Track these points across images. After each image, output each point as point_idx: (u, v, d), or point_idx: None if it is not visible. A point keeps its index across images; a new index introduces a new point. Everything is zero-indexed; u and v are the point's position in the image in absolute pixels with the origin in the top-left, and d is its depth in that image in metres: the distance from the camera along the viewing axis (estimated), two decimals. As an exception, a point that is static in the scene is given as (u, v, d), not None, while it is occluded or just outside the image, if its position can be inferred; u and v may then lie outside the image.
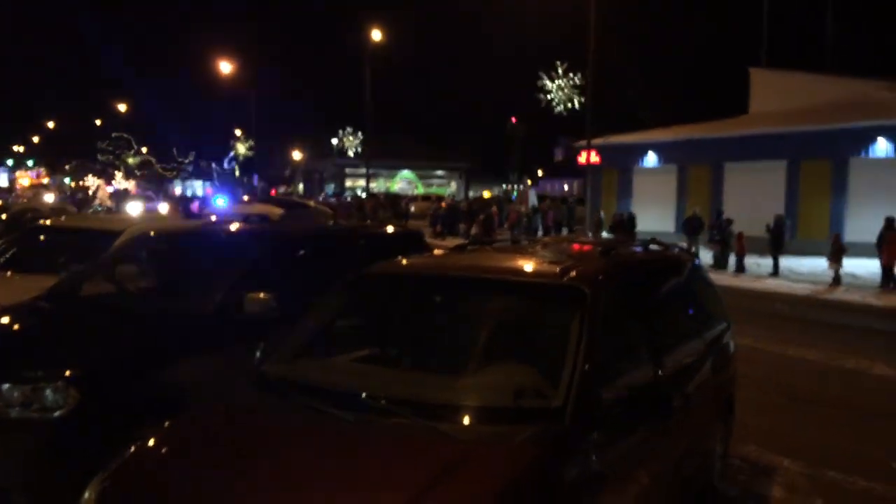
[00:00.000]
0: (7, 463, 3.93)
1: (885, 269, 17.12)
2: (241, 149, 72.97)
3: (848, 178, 24.34)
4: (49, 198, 31.85)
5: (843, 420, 7.22)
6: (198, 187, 77.48)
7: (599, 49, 27.86)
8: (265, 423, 3.27)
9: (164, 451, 3.19)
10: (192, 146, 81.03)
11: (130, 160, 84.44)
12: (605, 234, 26.15)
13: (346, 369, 3.78)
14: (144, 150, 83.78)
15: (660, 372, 3.87)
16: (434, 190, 61.94)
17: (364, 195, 48.52)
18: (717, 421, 5.04)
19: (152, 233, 6.55)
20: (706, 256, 21.62)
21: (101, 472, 3.02)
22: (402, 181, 67.79)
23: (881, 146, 23.62)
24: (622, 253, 4.63)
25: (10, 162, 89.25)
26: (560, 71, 44.98)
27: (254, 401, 3.50)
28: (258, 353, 3.79)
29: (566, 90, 44.46)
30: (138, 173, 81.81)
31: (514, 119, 50.97)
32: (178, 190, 73.10)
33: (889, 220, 17.22)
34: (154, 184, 72.97)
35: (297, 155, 67.59)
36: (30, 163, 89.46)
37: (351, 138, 66.01)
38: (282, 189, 63.91)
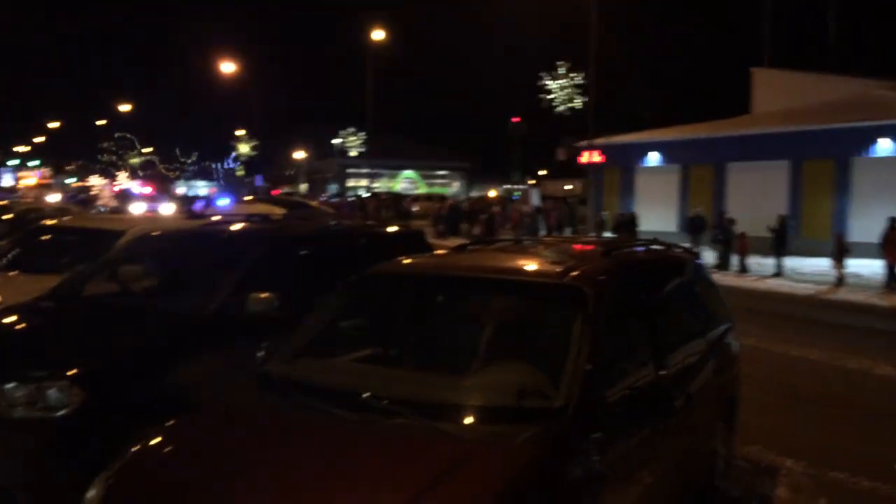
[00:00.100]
0: (11, 462, 3.94)
1: (889, 269, 17.09)
2: (244, 149, 73.04)
3: (851, 178, 24.30)
4: (53, 198, 31.90)
5: (845, 420, 7.21)
6: (200, 187, 77.57)
7: (601, 48, 27.88)
8: (267, 422, 3.28)
9: (166, 450, 3.20)
10: (195, 146, 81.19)
11: (133, 160, 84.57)
12: (607, 234, 26.14)
13: (347, 369, 3.79)
14: (147, 150, 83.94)
15: (662, 372, 3.87)
16: (436, 190, 61.94)
17: (366, 195, 48.56)
18: (720, 421, 5.04)
19: (155, 232, 6.57)
20: (709, 256, 21.62)
21: (105, 471, 3.03)
22: (405, 181, 67.80)
23: (884, 145, 23.58)
24: (624, 253, 4.63)
25: (14, 162, 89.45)
26: (562, 70, 44.97)
27: (256, 400, 3.51)
28: (261, 353, 3.80)
29: (568, 90, 44.45)
30: (141, 173, 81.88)
31: (515, 119, 50.95)
32: (181, 190, 73.16)
33: (893, 220, 17.19)
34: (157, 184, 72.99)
35: (299, 155, 67.64)
36: (33, 163, 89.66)
37: (353, 138, 66.03)
38: (285, 189, 63.97)
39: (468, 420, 3.11)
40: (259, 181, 57.02)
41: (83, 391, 4.03)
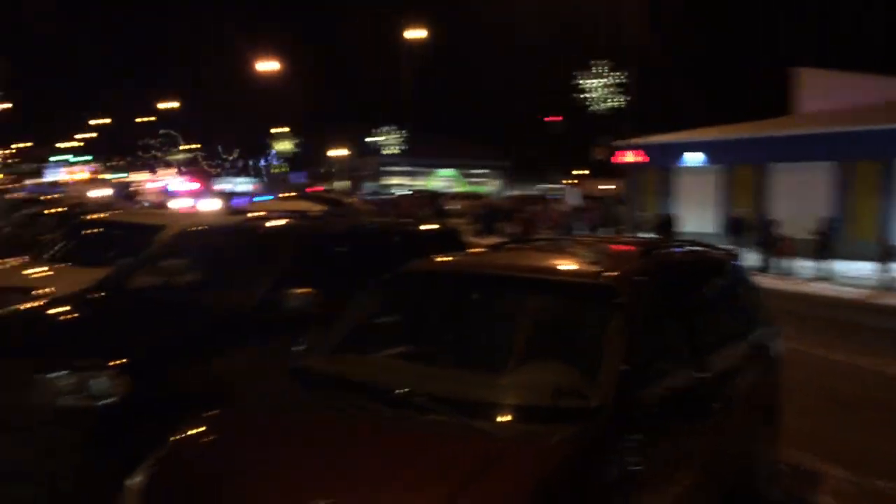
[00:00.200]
0: (55, 449, 4.05)
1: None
2: (285, 146, 73.83)
3: (899, 180, 23.71)
4: (100, 192, 32.62)
5: (886, 424, 7.07)
6: (241, 184, 78.58)
7: (641, 48, 27.60)
8: (304, 416, 3.33)
9: (206, 441, 3.27)
10: (237, 143, 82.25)
11: (177, 156, 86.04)
12: (645, 235, 25.86)
13: (383, 365, 3.82)
14: (191, 147, 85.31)
15: (700, 374, 3.85)
16: (474, 188, 61.91)
17: (404, 193, 48.72)
18: (760, 424, 4.97)
19: (196, 228, 6.69)
20: (751, 259, 21.27)
21: (147, 460, 3.11)
22: (442, 179, 67.90)
23: (934, 147, 22.97)
24: (662, 253, 4.60)
25: (64, 158, 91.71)
26: (601, 69, 44.60)
27: (294, 395, 3.56)
28: (298, 348, 3.86)
29: (607, 89, 44.06)
30: (184, 169, 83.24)
31: (554, 118, 50.69)
32: (225, 186, 74.24)
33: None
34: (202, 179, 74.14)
35: (338, 153, 68.16)
36: (82, 158, 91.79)
37: (392, 136, 66.34)
38: (323, 186, 64.50)
39: (503, 418, 3.13)
40: (300, 178, 57.51)
41: (127, 381, 4.14)
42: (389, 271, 4.26)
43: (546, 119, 51.34)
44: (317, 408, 3.36)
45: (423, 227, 7.80)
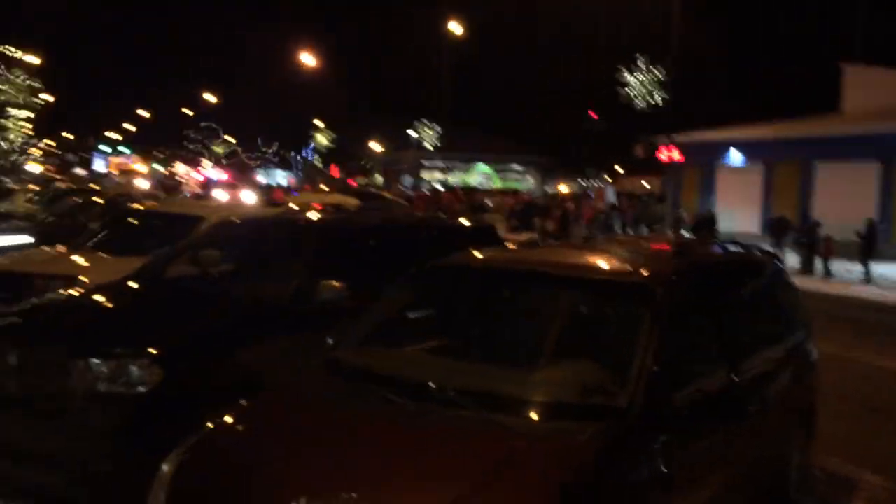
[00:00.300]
0: (91, 434, 4.14)
1: None
2: (322, 140, 74.35)
3: (948, 182, 23.06)
4: (142, 183, 33.28)
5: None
6: (280, 177, 79.45)
7: (683, 42, 27.18)
8: (333, 407, 3.35)
9: (237, 429, 3.32)
10: (276, 136, 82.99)
11: (218, 149, 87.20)
12: (685, 234, 25.53)
13: (413, 359, 3.83)
14: (231, 139, 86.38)
15: (733, 376, 3.78)
16: (511, 184, 61.68)
17: (441, 188, 48.77)
18: (795, 429, 4.87)
19: (233, 220, 6.77)
20: (793, 260, 20.87)
21: (179, 447, 3.16)
22: (479, 175, 67.74)
23: None
24: (698, 253, 4.54)
25: (107, 149, 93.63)
26: (641, 64, 44.04)
27: (324, 386, 3.59)
28: (329, 340, 3.88)
29: (647, 84, 43.48)
30: (225, 162, 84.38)
31: (592, 114, 50.22)
32: (261, 179, 75.16)
33: None
34: (239, 172, 75.23)
35: (376, 147, 68.46)
36: (124, 150, 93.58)
37: (429, 131, 66.40)
38: (361, 180, 64.90)
39: (531, 415, 3.11)
40: (333, 171, 57.80)
41: (162, 370, 4.21)
42: (422, 266, 4.26)
43: (585, 114, 50.88)
44: (344, 400, 3.38)
45: (457, 223, 7.79)
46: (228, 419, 3.33)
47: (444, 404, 3.16)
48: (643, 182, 43.01)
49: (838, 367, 8.57)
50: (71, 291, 5.66)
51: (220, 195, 24.43)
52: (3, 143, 39.20)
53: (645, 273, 3.73)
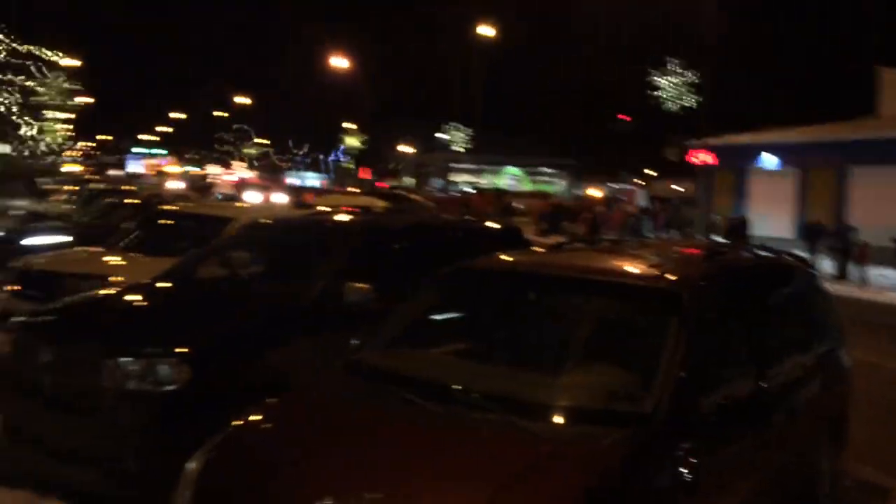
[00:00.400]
0: (120, 432, 4.20)
1: None
2: (353, 142, 74.78)
3: None
4: (175, 184, 33.71)
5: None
6: (310, 178, 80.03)
7: (716, 45, 26.90)
8: (357, 409, 3.37)
9: (262, 429, 3.35)
10: (307, 138, 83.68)
11: (249, 151, 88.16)
12: (718, 238, 25.22)
13: (435, 362, 3.84)
14: (262, 141, 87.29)
15: (761, 382, 3.73)
16: (540, 187, 61.47)
17: (470, 190, 48.74)
18: (826, 438, 4.79)
19: (261, 221, 6.84)
20: (827, 265, 20.52)
21: (204, 446, 3.19)
22: (509, 177, 67.63)
23: None
24: (727, 258, 4.48)
25: (142, 150, 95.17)
26: (673, 68, 43.63)
27: (348, 387, 3.61)
28: (354, 342, 3.90)
29: (679, 88, 43.06)
30: (256, 164, 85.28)
31: (624, 117, 49.87)
32: (292, 180, 75.82)
33: None
34: (270, 174, 76.07)
35: (405, 149, 68.69)
36: (159, 151, 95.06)
37: (459, 133, 66.42)
38: (391, 182, 65.15)
39: (555, 419, 3.10)
40: (363, 173, 58.04)
41: (190, 369, 4.26)
42: (447, 268, 4.26)
43: (617, 117, 50.56)
44: (368, 402, 3.39)
45: (485, 225, 7.79)
46: (253, 418, 3.36)
47: (468, 407, 3.15)
48: (675, 186, 42.61)
49: (871, 374, 8.40)
50: (102, 291, 5.75)
51: (253, 197, 24.73)
52: (40, 145, 40.04)
53: (672, 277, 3.70)
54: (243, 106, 74.17)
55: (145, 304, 5.38)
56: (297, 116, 76.79)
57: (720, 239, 24.24)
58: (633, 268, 4.00)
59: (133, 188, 19.91)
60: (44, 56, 31.02)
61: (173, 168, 76.56)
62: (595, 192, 46.89)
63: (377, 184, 57.32)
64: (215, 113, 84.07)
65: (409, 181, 68.34)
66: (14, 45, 27.64)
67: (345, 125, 73.30)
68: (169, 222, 8.89)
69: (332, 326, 4.81)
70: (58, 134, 42.35)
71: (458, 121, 63.67)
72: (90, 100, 63.53)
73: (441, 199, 41.41)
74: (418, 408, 3.22)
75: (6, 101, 29.45)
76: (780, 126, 30.61)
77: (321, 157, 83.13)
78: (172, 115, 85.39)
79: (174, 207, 9.80)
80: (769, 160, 29.17)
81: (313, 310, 5.04)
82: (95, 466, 4.20)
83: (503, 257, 4.43)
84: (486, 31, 39.27)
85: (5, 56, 26.83)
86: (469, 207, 36.73)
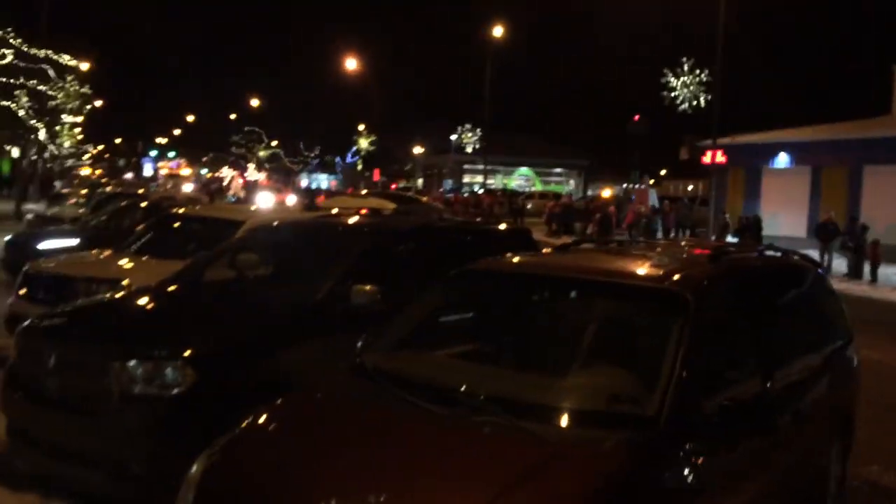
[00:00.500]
0: (127, 435, 4.22)
1: None
2: (364, 144, 74.91)
3: None
4: (188, 187, 33.91)
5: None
6: (322, 180, 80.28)
7: (728, 44, 26.74)
8: (362, 411, 3.37)
9: (266, 431, 3.36)
10: (318, 140, 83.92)
11: (261, 153, 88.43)
12: (730, 238, 25.08)
13: (440, 364, 3.83)
14: (274, 143, 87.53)
15: (767, 383, 3.71)
16: (552, 187, 61.37)
17: (481, 191, 48.76)
18: (834, 439, 4.75)
19: (268, 224, 6.86)
20: (840, 264, 20.37)
21: (208, 448, 3.20)
22: (520, 178, 67.55)
23: None
24: (733, 258, 4.45)
25: (154, 153, 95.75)
26: (686, 67, 43.40)
27: (352, 389, 3.61)
28: (360, 343, 3.90)
29: (692, 87, 42.82)
30: (268, 166, 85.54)
31: (636, 117, 49.66)
32: (303, 182, 76.08)
33: None
34: (282, 176, 76.33)
35: (417, 150, 68.73)
36: (170, 154, 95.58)
37: (470, 134, 66.40)
38: (401, 184, 65.22)
39: (557, 422, 3.09)
40: (376, 175, 58.13)
41: (195, 372, 4.28)
42: (453, 270, 4.26)
43: (629, 117, 50.37)
44: (372, 404, 3.39)
45: (493, 227, 7.78)
46: (257, 421, 3.37)
47: (472, 409, 3.15)
48: (687, 186, 42.38)
49: (882, 374, 8.33)
50: (110, 294, 5.79)
51: (265, 199, 24.82)
52: (54, 149, 40.34)
53: (676, 279, 3.68)
54: (256, 108, 74.49)
55: (152, 307, 5.40)
56: (310, 118, 77.07)
57: (731, 238, 24.10)
58: (637, 269, 3.99)
59: (145, 191, 20.02)
60: (60, 60, 31.28)
61: (185, 170, 77.07)
62: (607, 192, 46.74)
63: (392, 186, 57.40)
64: (231, 116, 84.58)
65: (419, 183, 68.42)
66: (28, 48, 27.89)
67: (357, 127, 73.48)
68: (180, 225, 8.93)
69: (339, 328, 4.82)
70: (73, 138, 42.68)
71: (469, 122, 63.66)
72: (103, 103, 64.10)
73: (450, 201, 41.44)
74: (423, 410, 3.22)
75: (23, 106, 29.72)
76: (793, 125, 30.42)
77: (337, 159, 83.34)
78: (186, 118, 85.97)
79: (185, 210, 9.84)
80: (782, 159, 29.00)
81: (320, 312, 5.04)
82: (101, 469, 4.22)
83: (508, 259, 4.42)
84: (497, 32, 39.22)
85: (19, 60, 27.09)
86: (479, 208, 36.72)
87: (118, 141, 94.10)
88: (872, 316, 12.29)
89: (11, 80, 27.43)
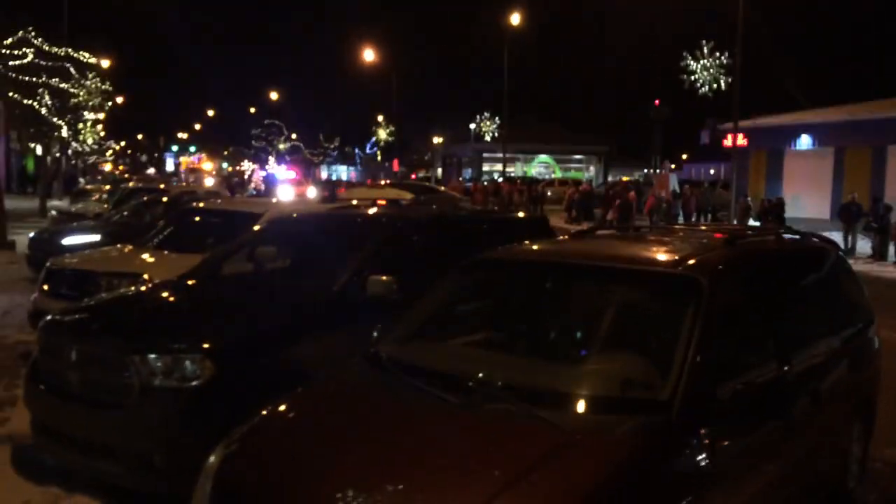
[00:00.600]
0: (148, 427, 4.29)
1: None
2: (383, 134, 74.98)
3: None
4: (209, 181, 34.14)
5: None
6: (342, 172, 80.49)
7: (749, 25, 26.37)
8: (376, 401, 3.40)
9: (282, 421, 3.39)
10: (338, 132, 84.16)
11: (281, 146, 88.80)
12: (752, 222, 24.82)
13: (455, 353, 3.85)
14: (294, 136, 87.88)
15: (785, 368, 3.68)
16: (572, 174, 61.06)
17: (501, 179, 48.62)
18: (854, 421, 4.71)
19: (285, 216, 6.90)
20: (864, 245, 20.10)
21: (225, 440, 3.24)
22: (540, 165, 67.31)
23: None
24: (750, 242, 4.42)
25: (176, 148, 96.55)
26: (706, 50, 42.87)
27: (368, 379, 3.63)
28: (375, 333, 3.92)
29: (712, 70, 42.29)
30: (288, 158, 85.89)
31: (657, 101, 49.17)
32: (324, 174, 76.39)
33: None
34: (302, 167, 76.64)
35: (436, 140, 68.67)
36: (193, 149, 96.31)
37: (489, 123, 66.21)
38: (421, 174, 65.29)
39: (571, 409, 3.09)
40: (395, 165, 58.10)
41: (214, 364, 4.33)
42: (469, 259, 4.26)
43: (648, 103, 49.92)
44: (388, 393, 3.42)
45: (510, 215, 7.78)
46: (273, 411, 3.40)
47: (487, 398, 3.16)
48: (708, 170, 41.93)
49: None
50: (131, 288, 5.86)
51: (286, 192, 24.93)
52: (77, 145, 40.77)
53: (691, 263, 3.65)
54: (276, 101, 74.81)
55: (171, 300, 5.47)
56: (329, 110, 77.28)
57: (753, 222, 23.85)
58: (652, 254, 3.97)
59: (165, 186, 20.19)
60: (81, 58, 31.56)
61: (206, 165, 77.69)
62: (627, 178, 46.43)
63: (412, 176, 57.41)
64: (251, 110, 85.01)
65: (439, 172, 68.35)
66: (49, 47, 28.17)
67: (376, 118, 73.53)
68: (199, 219, 9.00)
69: (357, 319, 4.84)
70: (95, 134, 43.11)
71: (489, 110, 63.46)
72: (125, 99, 64.63)
73: (470, 190, 41.36)
74: (437, 399, 3.23)
75: (46, 104, 30.05)
76: (815, 106, 30.00)
77: (356, 150, 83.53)
78: (207, 112, 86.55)
79: (204, 205, 9.92)
80: (804, 141, 28.61)
81: (338, 303, 5.08)
82: (123, 461, 4.29)
83: (524, 247, 4.42)
84: (515, 18, 38.95)
85: (40, 59, 27.37)
86: (498, 196, 36.62)
87: (140, 137, 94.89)
88: (892, 296, 12.13)
89: (34, 79, 27.70)
